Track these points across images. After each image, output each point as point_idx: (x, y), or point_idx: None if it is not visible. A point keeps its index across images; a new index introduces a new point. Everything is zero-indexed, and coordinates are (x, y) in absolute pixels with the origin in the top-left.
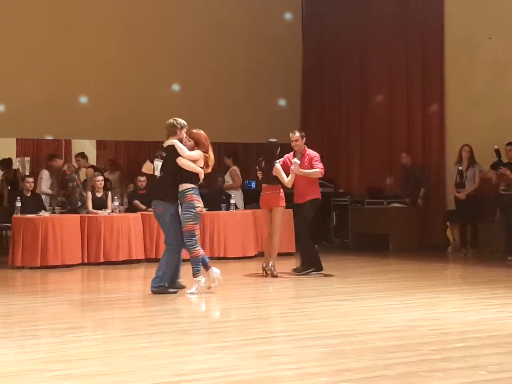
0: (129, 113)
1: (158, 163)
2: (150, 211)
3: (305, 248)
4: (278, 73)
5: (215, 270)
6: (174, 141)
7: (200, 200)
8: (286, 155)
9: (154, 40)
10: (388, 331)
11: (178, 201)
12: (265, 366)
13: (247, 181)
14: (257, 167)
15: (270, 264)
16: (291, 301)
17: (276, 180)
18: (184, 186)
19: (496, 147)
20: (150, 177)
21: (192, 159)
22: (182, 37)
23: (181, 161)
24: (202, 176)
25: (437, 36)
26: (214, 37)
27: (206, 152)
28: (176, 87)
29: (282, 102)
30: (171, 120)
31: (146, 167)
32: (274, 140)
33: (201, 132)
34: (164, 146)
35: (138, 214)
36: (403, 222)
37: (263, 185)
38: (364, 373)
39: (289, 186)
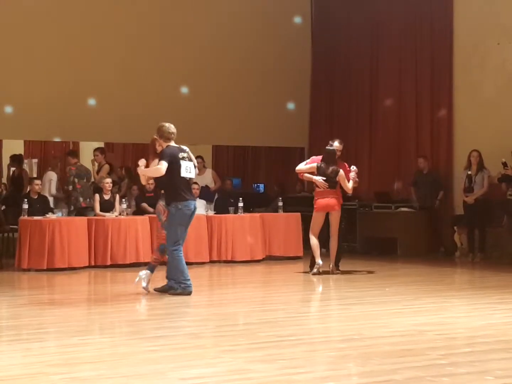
0: (138, 116)
1: (191, 165)
2: None
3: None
4: (287, 77)
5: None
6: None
7: None
8: (313, 158)
9: (163, 43)
10: (395, 335)
11: None
12: (273, 370)
13: (256, 185)
14: (316, 172)
15: (330, 265)
16: (299, 305)
17: (336, 185)
18: None
19: (503, 160)
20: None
21: None
22: (191, 40)
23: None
24: None
25: (446, 42)
26: (223, 40)
27: None
28: (185, 90)
29: (291, 105)
30: (171, 125)
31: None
32: (333, 147)
33: None
34: (185, 149)
35: (146, 217)
36: (411, 226)
37: (325, 190)
38: (371, 378)
39: (351, 192)
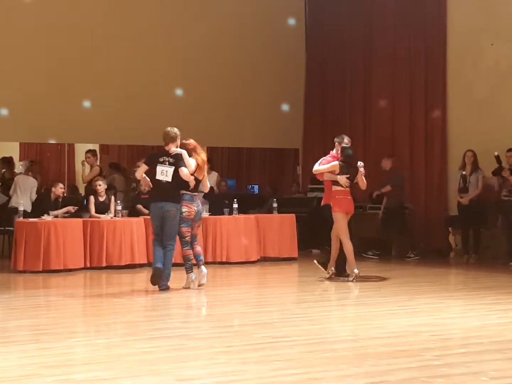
0: (133, 117)
1: (168, 169)
2: None
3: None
4: (281, 79)
5: (204, 269)
6: (183, 151)
7: (190, 205)
8: (326, 159)
9: (157, 45)
10: (390, 336)
11: None
12: (268, 371)
13: (250, 186)
14: (338, 171)
15: (355, 271)
16: (294, 306)
17: (352, 184)
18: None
19: (496, 153)
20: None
21: (191, 172)
22: (185, 42)
23: (183, 172)
24: (192, 184)
25: (440, 43)
26: (218, 42)
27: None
28: (179, 91)
29: (285, 107)
30: (170, 130)
31: (141, 171)
32: (349, 145)
33: (192, 141)
34: (172, 154)
35: (141, 218)
36: (406, 227)
37: (346, 190)
38: (366, 379)
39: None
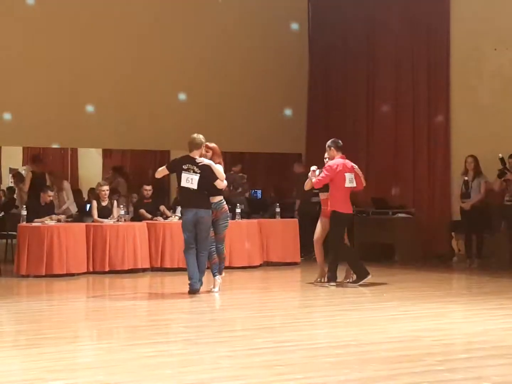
0: (136, 122)
1: (194, 177)
2: (156, 220)
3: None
4: (284, 83)
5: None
6: (211, 163)
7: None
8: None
9: (161, 51)
10: (393, 341)
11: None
12: (270, 376)
13: (253, 191)
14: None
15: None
16: (296, 311)
17: None
18: (218, 198)
19: (500, 155)
20: (159, 186)
21: (223, 178)
22: (189, 47)
23: (220, 184)
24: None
25: (443, 48)
26: (221, 47)
27: (221, 162)
28: (182, 96)
29: (288, 112)
30: (196, 136)
31: (161, 172)
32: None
33: (215, 145)
34: (198, 163)
35: (144, 223)
36: (409, 232)
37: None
38: (368, 383)
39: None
